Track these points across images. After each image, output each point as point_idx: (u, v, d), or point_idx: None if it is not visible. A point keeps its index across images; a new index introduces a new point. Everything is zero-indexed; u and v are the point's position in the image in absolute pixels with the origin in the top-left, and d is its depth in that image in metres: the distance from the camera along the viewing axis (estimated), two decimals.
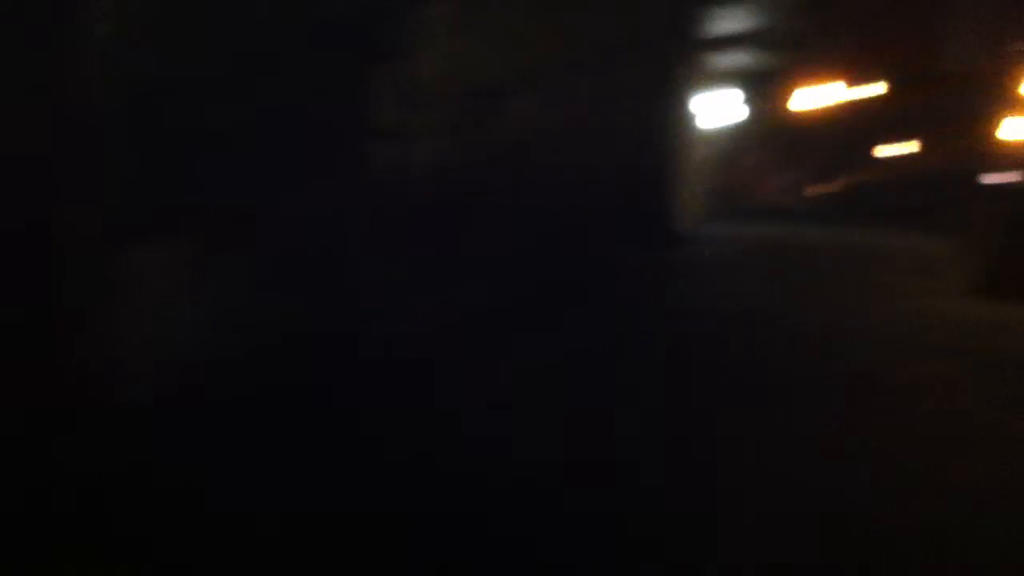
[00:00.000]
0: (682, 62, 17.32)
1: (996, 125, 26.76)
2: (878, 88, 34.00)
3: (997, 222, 11.57)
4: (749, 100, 27.85)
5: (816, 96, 33.60)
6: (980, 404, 6.03)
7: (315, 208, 7.72)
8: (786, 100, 33.59)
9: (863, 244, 19.75)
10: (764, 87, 29.24)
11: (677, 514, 3.46)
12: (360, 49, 8.71)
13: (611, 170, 14.75)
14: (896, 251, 18.16)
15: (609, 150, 14.74)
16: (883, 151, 38.49)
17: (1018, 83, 26.48)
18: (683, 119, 18.27)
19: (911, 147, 33.90)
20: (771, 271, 14.17)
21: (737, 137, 28.69)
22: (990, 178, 15.04)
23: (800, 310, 10.13)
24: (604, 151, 14.69)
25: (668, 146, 17.07)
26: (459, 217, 10.38)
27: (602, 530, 3.23)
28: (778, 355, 7.64)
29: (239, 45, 7.84)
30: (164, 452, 3.99)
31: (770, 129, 33.68)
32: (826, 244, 19.60)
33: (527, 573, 3.02)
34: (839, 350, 7.87)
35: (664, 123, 16.98)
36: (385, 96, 9.14)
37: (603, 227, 13.76)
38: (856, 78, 34.57)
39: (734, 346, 7.92)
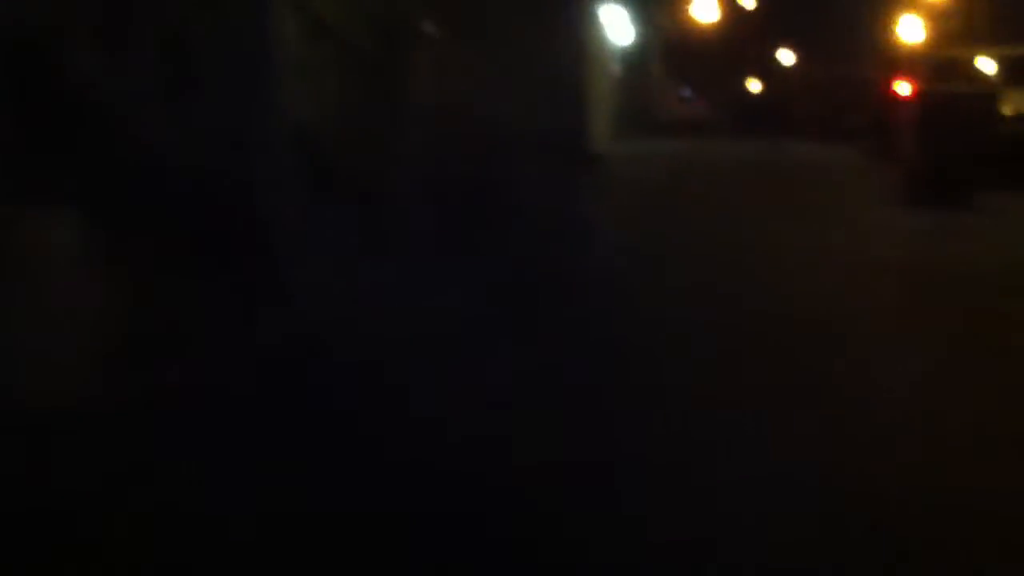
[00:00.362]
0: None
1: (894, 29, 26.94)
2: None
3: (914, 131, 11.53)
4: (641, 17, 27.58)
5: (707, 9, 33.53)
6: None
7: (218, 155, 7.18)
8: (678, 15, 33.45)
9: (775, 154, 19.79)
10: (655, 3, 29.08)
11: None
12: None
13: (522, 96, 14.47)
14: (811, 160, 18.20)
15: (520, 76, 14.46)
16: (783, 60, 38.68)
17: None
18: (585, 40, 17.99)
19: (809, 56, 34.12)
20: (689, 190, 14.05)
21: (636, 55, 28.45)
22: (899, 87, 15.03)
23: (723, 226, 9.98)
24: (515, 77, 14.41)
25: (575, 67, 16.81)
26: (377, 149, 9.99)
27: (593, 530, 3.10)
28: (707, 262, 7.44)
29: None
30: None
31: (665, 45, 33.55)
32: (743, 156, 19.60)
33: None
34: (768, 259, 7.71)
35: (568, 45, 16.71)
36: (288, 33, 8.59)
37: (520, 151, 13.51)
38: None
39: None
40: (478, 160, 11.97)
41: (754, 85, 39.00)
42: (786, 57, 38.00)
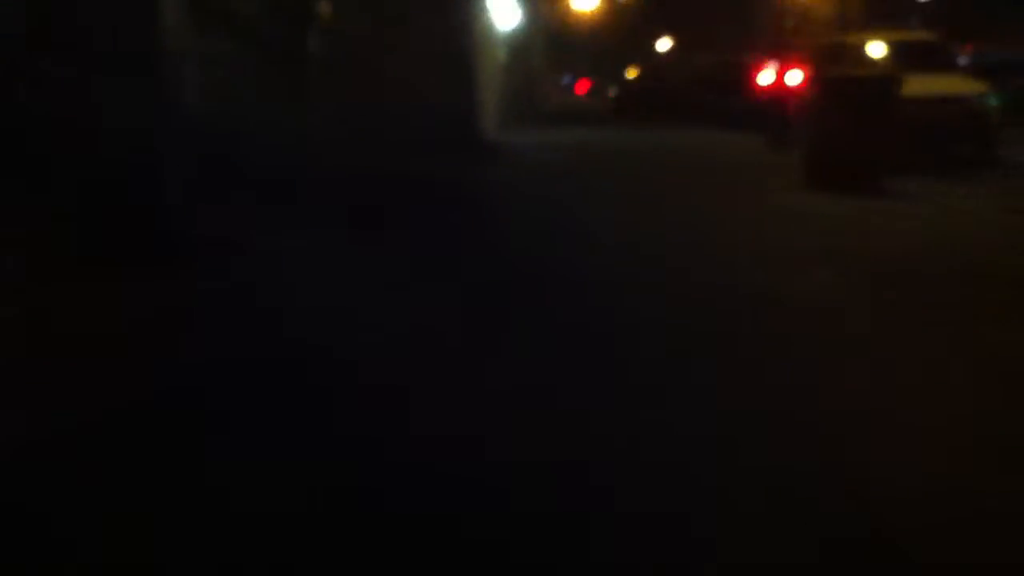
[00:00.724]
0: None
1: (775, 15, 27.38)
2: None
3: (811, 117, 11.61)
4: (525, 5, 27.52)
5: None
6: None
7: (118, 136, 6.89)
8: (561, 4, 33.51)
9: (672, 142, 19.82)
10: None
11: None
12: None
13: (420, 86, 14.33)
14: (712, 148, 18.23)
15: (415, 66, 14.31)
16: (663, 47, 39.09)
17: None
18: (476, 29, 17.82)
19: (689, 43, 34.53)
20: (597, 179, 13.97)
21: (520, 44, 28.38)
22: (792, 74, 15.18)
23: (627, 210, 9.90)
24: (410, 67, 14.25)
25: (467, 57, 16.64)
26: (280, 137, 9.70)
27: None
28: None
29: None
30: None
31: (548, 34, 33.62)
32: (637, 145, 19.60)
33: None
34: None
35: (460, 34, 16.56)
36: (185, 19, 8.27)
37: (416, 141, 13.38)
38: None
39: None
40: (376, 150, 11.81)
41: (633, 73, 39.31)
42: (664, 45, 38.39)
